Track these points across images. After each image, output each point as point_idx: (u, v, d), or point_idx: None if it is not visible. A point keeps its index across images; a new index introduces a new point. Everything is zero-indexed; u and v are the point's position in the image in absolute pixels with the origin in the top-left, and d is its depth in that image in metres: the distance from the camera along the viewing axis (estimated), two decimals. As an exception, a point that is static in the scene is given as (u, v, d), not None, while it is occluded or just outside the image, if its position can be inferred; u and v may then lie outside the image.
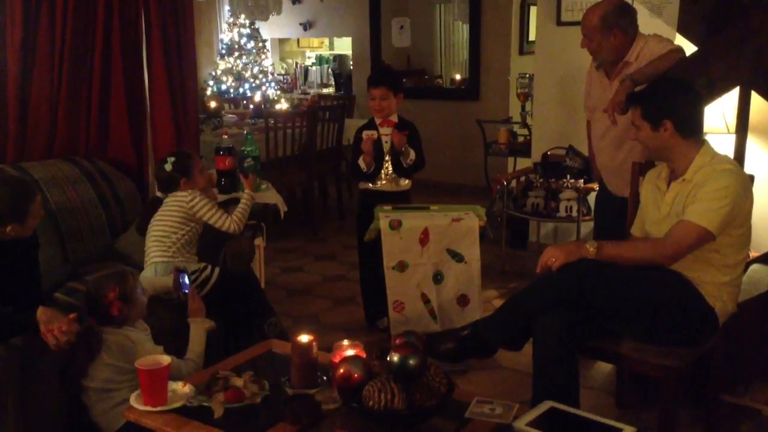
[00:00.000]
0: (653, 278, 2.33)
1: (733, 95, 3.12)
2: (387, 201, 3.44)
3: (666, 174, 2.49)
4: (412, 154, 3.46)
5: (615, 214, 3.06)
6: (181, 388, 2.07)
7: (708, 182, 2.30)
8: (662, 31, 3.73)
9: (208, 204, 2.95)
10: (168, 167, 2.96)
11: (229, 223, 2.97)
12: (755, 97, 3.06)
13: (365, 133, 3.45)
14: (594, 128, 3.30)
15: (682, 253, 2.31)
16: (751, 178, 2.56)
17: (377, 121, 3.52)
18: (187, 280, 2.67)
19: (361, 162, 3.48)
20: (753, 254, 3.62)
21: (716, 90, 3.02)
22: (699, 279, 2.35)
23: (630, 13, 3.04)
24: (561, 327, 2.28)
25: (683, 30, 3.61)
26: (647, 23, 3.67)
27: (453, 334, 2.59)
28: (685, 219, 2.29)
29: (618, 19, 2.98)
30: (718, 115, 3.79)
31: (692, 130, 2.40)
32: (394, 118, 3.52)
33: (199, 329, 2.51)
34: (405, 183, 3.57)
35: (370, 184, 3.55)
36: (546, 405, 1.97)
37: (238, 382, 2.08)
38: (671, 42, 3.07)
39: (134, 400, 2.03)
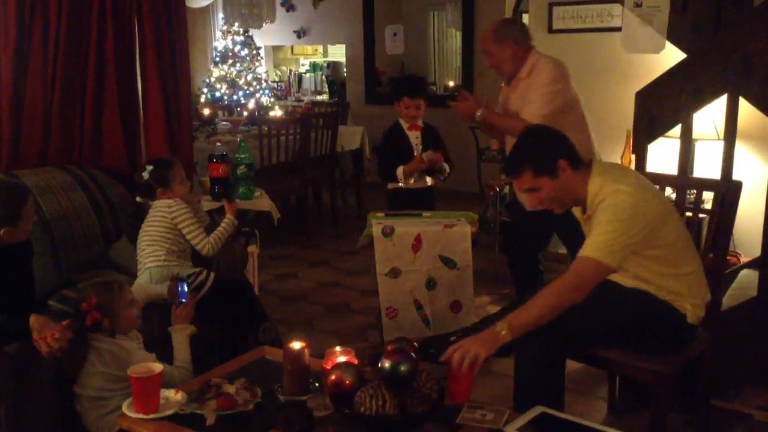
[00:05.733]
0: (628, 300, 2.32)
1: (722, 102, 3.15)
2: (415, 199, 3.60)
3: (580, 209, 2.43)
4: (447, 168, 3.63)
5: (533, 223, 3.27)
6: (173, 396, 2.07)
7: (598, 215, 2.24)
8: (652, 39, 3.78)
9: (189, 218, 2.93)
10: (145, 175, 2.95)
11: (204, 243, 2.95)
12: (744, 104, 3.09)
13: (426, 155, 3.54)
14: (507, 139, 3.38)
15: (586, 288, 2.21)
16: (739, 184, 2.58)
17: (405, 125, 3.68)
18: (186, 289, 2.67)
19: (400, 173, 3.59)
20: (744, 259, 3.66)
21: (705, 97, 3.05)
22: (658, 291, 2.32)
23: (518, 24, 3.30)
24: (544, 346, 2.25)
25: (673, 38, 3.65)
26: (638, 31, 3.71)
27: (442, 339, 2.61)
28: (582, 254, 2.22)
29: (507, 30, 3.21)
30: (708, 122, 3.83)
31: (579, 159, 2.33)
32: (420, 123, 3.70)
33: (180, 336, 2.51)
34: (430, 180, 3.72)
35: (401, 184, 3.66)
36: (537, 410, 1.98)
37: (231, 389, 2.08)
38: (553, 82, 3.12)
39: (127, 408, 2.03)
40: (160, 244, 2.89)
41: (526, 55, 3.20)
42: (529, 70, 3.18)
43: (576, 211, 2.45)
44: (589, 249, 2.22)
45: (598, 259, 2.19)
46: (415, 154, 3.62)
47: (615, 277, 2.36)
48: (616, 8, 4.27)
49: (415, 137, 3.69)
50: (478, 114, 3.18)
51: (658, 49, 3.87)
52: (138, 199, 3.05)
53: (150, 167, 2.97)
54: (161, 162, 3.06)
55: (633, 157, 3.58)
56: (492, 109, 3.29)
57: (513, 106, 3.27)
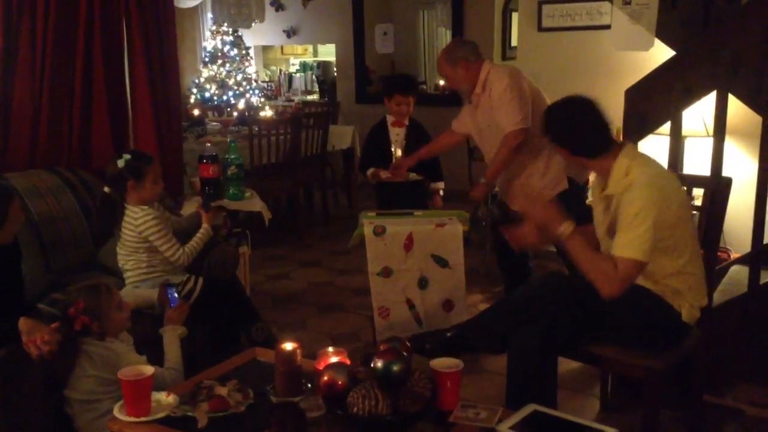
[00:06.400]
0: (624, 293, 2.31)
1: (711, 99, 3.16)
2: (402, 191, 3.72)
3: (599, 184, 2.45)
4: (412, 176, 3.77)
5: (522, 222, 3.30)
6: (164, 398, 2.06)
7: (624, 207, 2.24)
8: (641, 37, 3.79)
9: (159, 230, 2.84)
10: (121, 163, 2.80)
11: (179, 255, 2.89)
12: (733, 101, 3.09)
13: (383, 174, 3.71)
14: (482, 152, 3.58)
15: (627, 288, 2.25)
16: (729, 180, 2.59)
17: (390, 120, 3.84)
18: (176, 295, 2.65)
19: (370, 176, 3.77)
20: (734, 255, 3.67)
21: (694, 94, 3.06)
22: (655, 285, 2.33)
23: (467, 44, 3.41)
24: (537, 341, 2.27)
25: (662, 35, 3.66)
26: (627, 29, 3.72)
27: (438, 335, 2.61)
28: (617, 255, 2.22)
29: (457, 52, 3.34)
30: (698, 118, 3.84)
31: (591, 150, 2.33)
32: (406, 120, 3.85)
33: (171, 337, 2.50)
34: (413, 175, 3.78)
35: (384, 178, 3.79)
36: (529, 408, 1.98)
37: (223, 391, 2.08)
38: (511, 89, 3.21)
39: (118, 411, 2.01)
40: (138, 256, 2.87)
41: (477, 71, 3.31)
42: (483, 84, 3.30)
43: (595, 188, 2.47)
44: (622, 248, 2.21)
45: (632, 258, 2.20)
46: (392, 149, 3.77)
47: None
48: (606, 6, 4.28)
49: (396, 134, 3.84)
50: (483, 182, 3.33)
51: (648, 46, 3.89)
52: (105, 189, 2.90)
53: (127, 156, 2.84)
54: (140, 154, 2.97)
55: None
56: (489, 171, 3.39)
57: (481, 122, 3.37)
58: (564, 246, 2.31)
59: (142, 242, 2.86)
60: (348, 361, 2.14)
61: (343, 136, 6.31)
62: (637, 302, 2.31)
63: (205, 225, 3.07)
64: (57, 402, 2.31)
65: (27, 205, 2.98)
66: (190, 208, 3.42)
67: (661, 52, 3.73)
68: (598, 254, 2.34)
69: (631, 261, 2.20)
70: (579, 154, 2.36)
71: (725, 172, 2.85)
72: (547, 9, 4.57)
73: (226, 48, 7.48)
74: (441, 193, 4.00)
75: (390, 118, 3.86)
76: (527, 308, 2.38)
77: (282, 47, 9.15)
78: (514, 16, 6.16)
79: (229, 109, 7.01)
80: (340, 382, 1.96)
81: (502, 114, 3.20)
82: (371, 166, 3.78)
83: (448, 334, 2.61)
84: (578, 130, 2.34)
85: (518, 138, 3.17)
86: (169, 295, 2.63)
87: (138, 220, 2.83)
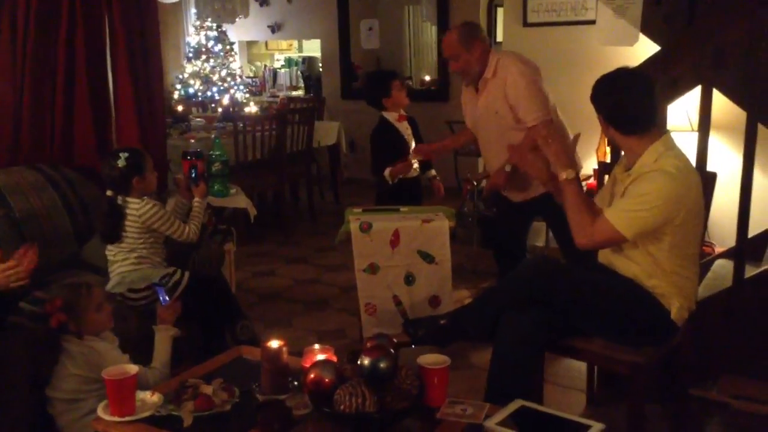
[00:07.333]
0: (616, 285, 2.34)
1: (696, 93, 3.17)
2: (406, 188, 3.74)
3: (624, 163, 2.46)
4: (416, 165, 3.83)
5: (517, 219, 3.37)
6: (149, 397, 2.04)
7: (640, 182, 2.24)
8: (626, 32, 3.80)
9: (162, 216, 2.86)
10: (122, 163, 2.80)
11: (187, 231, 2.92)
12: (718, 96, 3.11)
13: (415, 155, 3.69)
14: (480, 141, 3.48)
15: (593, 247, 2.34)
16: (714, 175, 2.59)
17: (393, 117, 3.78)
18: (165, 295, 2.63)
19: (387, 174, 3.68)
20: (718, 249, 3.70)
21: (679, 89, 3.07)
22: (653, 288, 2.35)
23: (478, 26, 3.36)
24: (525, 329, 2.28)
25: (647, 30, 3.67)
26: (612, 24, 3.73)
27: (432, 320, 2.62)
28: (605, 216, 2.26)
29: (472, 32, 3.25)
30: (682, 113, 3.86)
31: (626, 126, 2.31)
32: (404, 113, 3.85)
33: (164, 337, 2.48)
34: (415, 168, 3.81)
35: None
36: (516, 404, 1.99)
37: (208, 389, 2.06)
38: (532, 75, 3.17)
39: (102, 411, 2.00)
40: (130, 245, 2.84)
41: (488, 55, 3.24)
42: (494, 69, 3.21)
43: (619, 166, 2.47)
44: (613, 212, 2.25)
45: (615, 227, 2.22)
46: (412, 145, 3.75)
47: (615, 264, 2.38)
48: (590, 1, 4.29)
49: (405, 128, 3.82)
50: (507, 169, 3.24)
51: (632, 41, 3.90)
52: (108, 193, 2.87)
53: (125, 154, 2.83)
54: (134, 149, 2.95)
55: (608, 149, 3.60)
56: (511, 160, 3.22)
57: (482, 108, 3.29)
58: (561, 188, 2.37)
59: (143, 233, 2.85)
60: (334, 359, 2.13)
61: (328, 131, 6.30)
62: (628, 294, 2.32)
63: (197, 199, 3.06)
64: (39, 402, 2.28)
65: (9, 202, 2.94)
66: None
67: (645, 47, 3.74)
68: (588, 205, 2.38)
69: (611, 228, 2.22)
70: (613, 124, 2.32)
71: (709, 167, 2.86)
72: (532, 4, 4.58)
73: (210, 43, 7.44)
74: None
75: (392, 116, 3.80)
76: (519, 292, 2.38)
77: (266, 42, 9.12)
78: (500, 11, 6.16)
79: (213, 105, 6.98)
80: (326, 380, 1.95)
81: (526, 108, 3.14)
82: (387, 166, 3.71)
83: (442, 322, 2.60)
84: (620, 100, 2.30)
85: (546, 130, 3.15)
86: (159, 295, 2.61)
87: (139, 211, 2.83)
